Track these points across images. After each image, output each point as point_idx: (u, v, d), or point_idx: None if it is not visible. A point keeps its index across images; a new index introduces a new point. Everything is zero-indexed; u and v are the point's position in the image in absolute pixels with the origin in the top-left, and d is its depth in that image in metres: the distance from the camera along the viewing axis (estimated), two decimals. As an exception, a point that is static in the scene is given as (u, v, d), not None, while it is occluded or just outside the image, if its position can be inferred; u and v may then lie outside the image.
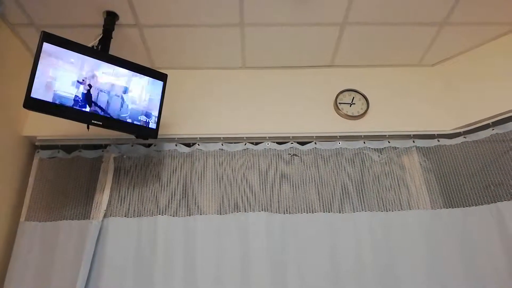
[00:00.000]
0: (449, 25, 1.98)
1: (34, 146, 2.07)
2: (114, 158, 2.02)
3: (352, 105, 2.13)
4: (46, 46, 1.54)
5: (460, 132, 2.05)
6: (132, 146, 2.07)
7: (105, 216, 1.87)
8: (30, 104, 1.49)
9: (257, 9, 1.86)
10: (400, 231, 1.84)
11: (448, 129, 2.07)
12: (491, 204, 1.81)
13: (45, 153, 2.06)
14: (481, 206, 1.83)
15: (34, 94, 1.49)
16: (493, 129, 1.96)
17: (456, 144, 2.04)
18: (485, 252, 1.75)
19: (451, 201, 1.91)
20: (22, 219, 1.89)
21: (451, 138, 2.06)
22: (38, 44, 1.53)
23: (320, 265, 1.77)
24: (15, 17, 1.86)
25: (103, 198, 1.89)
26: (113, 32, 1.87)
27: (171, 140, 2.08)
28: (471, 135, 2.02)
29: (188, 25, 1.94)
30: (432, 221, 1.85)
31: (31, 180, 1.98)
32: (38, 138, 2.03)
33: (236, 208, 1.92)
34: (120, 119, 1.70)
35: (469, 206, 1.86)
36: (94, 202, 1.89)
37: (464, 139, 2.03)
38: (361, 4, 1.85)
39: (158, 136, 1.86)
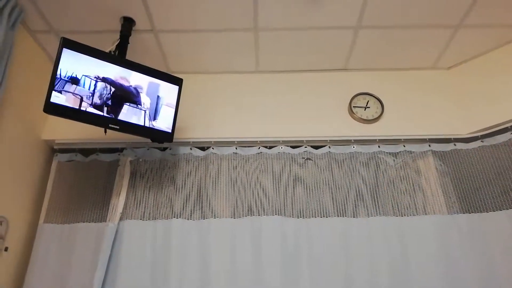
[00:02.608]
0: (464, 27, 1.96)
1: (53, 149, 2.12)
2: (130, 161, 2.05)
3: (366, 109, 2.12)
4: (65, 51, 1.58)
5: (477, 136, 2.02)
6: (148, 149, 2.10)
7: (121, 219, 1.90)
8: (50, 108, 1.52)
9: (271, 14, 1.87)
10: (415, 236, 1.82)
11: (464, 133, 2.04)
12: (509, 209, 1.77)
13: (63, 157, 2.10)
14: (498, 211, 1.80)
15: (54, 99, 1.53)
16: (511, 133, 1.92)
17: (473, 148, 2.01)
18: (502, 258, 1.72)
19: (467, 206, 1.88)
20: (41, 221, 1.93)
21: (468, 142, 2.04)
22: (58, 50, 1.57)
23: (334, 270, 1.76)
24: (35, 24, 1.91)
25: (119, 201, 1.91)
26: (130, 38, 1.91)
27: (186, 144, 2.10)
28: (488, 139, 1.99)
29: (203, 30, 1.97)
30: (448, 226, 1.83)
31: (49, 183, 2.03)
32: (56, 141, 2.08)
33: (250, 212, 1.92)
34: (136, 123, 1.72)
35: (486, 211, 1.83)
36: (110, 205, 1.92)
37: (482, 143, 2.00)
38: (375, 7, 1.84)
39: (173, 140, 1.88)
